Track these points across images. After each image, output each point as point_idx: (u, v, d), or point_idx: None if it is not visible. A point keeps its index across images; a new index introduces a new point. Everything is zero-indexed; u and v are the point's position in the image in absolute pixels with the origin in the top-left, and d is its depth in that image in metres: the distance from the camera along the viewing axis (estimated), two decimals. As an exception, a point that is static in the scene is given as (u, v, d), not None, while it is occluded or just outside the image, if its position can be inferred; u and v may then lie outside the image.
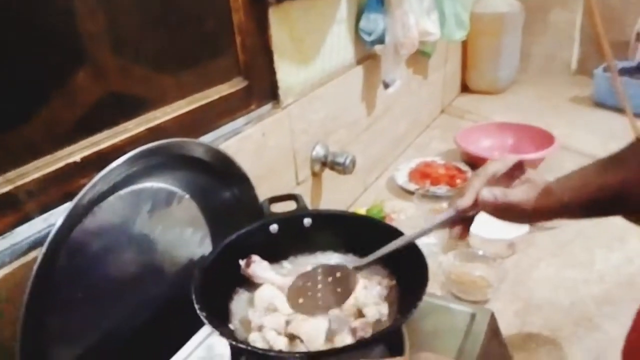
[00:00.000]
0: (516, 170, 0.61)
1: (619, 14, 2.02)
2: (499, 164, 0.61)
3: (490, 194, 0.58)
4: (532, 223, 0.62)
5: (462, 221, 0.62)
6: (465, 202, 0.59)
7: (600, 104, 1.88)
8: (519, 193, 0.58)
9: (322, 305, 0.62)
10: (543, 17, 2.22)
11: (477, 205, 0.59)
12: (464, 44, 2.06)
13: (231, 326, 0.64)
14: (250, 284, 0.71)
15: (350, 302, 0.63)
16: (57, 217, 0.60)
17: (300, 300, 0.63)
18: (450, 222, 0.62)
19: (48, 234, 0.54)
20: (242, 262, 0.70)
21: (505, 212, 0.59)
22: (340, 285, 0.63)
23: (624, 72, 1.83)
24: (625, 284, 0.97)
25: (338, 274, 0.64)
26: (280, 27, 0.95)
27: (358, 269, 0.64)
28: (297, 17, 1.00)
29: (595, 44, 1.89)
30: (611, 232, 1.13)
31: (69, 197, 0.61)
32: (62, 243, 0.57)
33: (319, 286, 0.64)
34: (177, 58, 0.79)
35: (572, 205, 0.57)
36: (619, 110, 1.72)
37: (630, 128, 1.52)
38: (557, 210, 0.58)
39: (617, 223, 1.16)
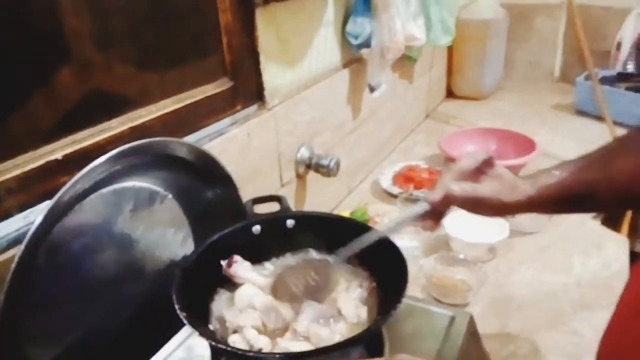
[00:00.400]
0: (486, 166, 0.64)
1: (600, 24, 2.06)
2: (469, 160, 0.64)
3: (459, 188, 0.61)
4: (503, 216, 0.66)
5: (433, 215, 0.64)
6: (435, 196, 0.62)
7: (581, 112, 1.91)
8: (487, 188, 0.62)
9: (304, 297, 0.64)
10: (527, 25, 2.25)
11: (447, 199, 0.62)
12: (449, 50, 2.09)
13: (211, 327, 0.64)
14: (231, 285, 0.71)
15: (330, 301, 0.64)
16: (36, 215, 0.59)
17: (285, 293, 0.65)
18: (422, 216, 0.64)
19: (27, 231, 0.54)
20: (223, 263, 0.70)
21: (474, 205, 0.62)
22: (322, 278, 0.66)
23: (605, 80, 1.86)
24: (602, 289, 0.99)
25: (320, 267, 0.66)
26: (267, 29, 0.96)
27: (338, 262, 0.66)
28: (284, 18, 1.01)
29: (578, 53, 1.93)
30: (589, 238, 1.16)
31: (49, 195, 0.60)
32: (41, 241, 0.56)
33: (302, 279, 0.66)
34: (163, 57, 0.79)
35: (540, 200, 0.61)
36: (600, 118, 1.76)
37: (610, 135, 1.55)
38: (524, 204, 0.62)
39: (595, 229, 1.19)
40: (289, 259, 0.77)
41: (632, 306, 0.57)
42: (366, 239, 0.65)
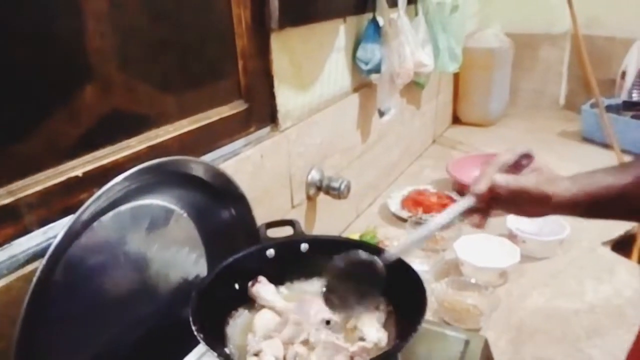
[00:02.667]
0: (525, 159, 0.65)
1: (604, 54, 2.09)
2: (509, 154, 0.65)
3: (503, 179, 0.62)
4: (542, 214, 0.65)
5: (479, 210, 0.64)
6: (482, 187, 0.62)
7: (588, 139, 1.92)
8: (530, 179, 0.62)
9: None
10: (532, 54, 2.29)
11: (492, 191, 0.62)
12: (456, 77, 2.12)
13: (227, 350, 0.64)
14: (246, 308, 0.71)
15: (351, 325, 0.64)
16: (56, 230, 0.60)
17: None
18: (469, 211, 0.64)
19: (46, 247, 0.54)
20: (250, 283, 0.70)
21: (518, 198, 0.62)
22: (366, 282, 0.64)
23: (611, 109, 1.88)
24: (615, 315, 0.98)
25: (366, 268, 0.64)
26: (281, 53, 0.98)
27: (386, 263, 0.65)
28: (298, 44, 1.03)
29: (582, 81, 1.96)
30: (600, 264, 1.15)
31: (68, 211, 0.61)
32: (60, 257, 0.57)
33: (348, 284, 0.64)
34: (181, 79, 0.80)
35: (579, 198, 0.61)
36: (607, 145, 1.77)
37: (618, 162, 1.55)
38: (564, 200, 0.61)
39: (605, 255, 1.19)
40: (302, 284, 0.77)
41: None
42: (420, 233, 0.65)
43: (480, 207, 0.64)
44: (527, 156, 0.65)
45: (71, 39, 0.63)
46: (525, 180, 0.62)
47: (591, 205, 0.62)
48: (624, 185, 0.61)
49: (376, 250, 0.70)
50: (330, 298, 0.64)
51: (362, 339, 0.63)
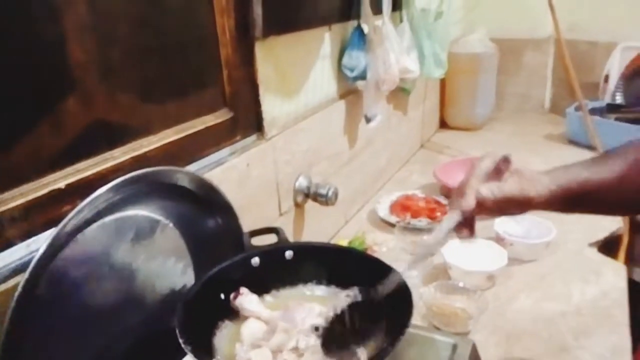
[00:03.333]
0: (504, 164, 0.66)
1: (587, 58, 2.12)
2: (488, 161, 0.66)
3: (488, 190, 0.62)
4: (526, 212, 0.66)
5: (466, 222, 0.65)
6: (469, 202, 0.63)
7: (573, 142, 1.94)
8: (512, 185, 0.63)
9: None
10: (517, 59, 2.31)
11: (479, 204, 0.63)
12: (442, 82, 2.13)
13: (215, 360, 0.64)
14: (233, 317, 0.70)
15: None
16: (39, 244, 0.60)
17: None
18: (457, 226, 0.64)
19: (29, 261, 0.54)
20: (232, 296, 0.70)
21: (503, 205, 0.63)
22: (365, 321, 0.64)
23: (595, 111, 1.90)
24: (602, 317, 0.99)
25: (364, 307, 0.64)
26: (266, 61, 0.98)
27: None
28: (283, 52, 1.03)
29: (567, 85, 1.98)
30: (587, 265, 1.16)
31: (51, 224, 0.60)
32: (43, 270, 0.56)
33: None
34: (165, 88, 0.80)
35: (557, 195, 0.63)
36: (591, 147, 1.79)
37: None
38: (547, 198, 0.63)
39: (592, 257, 1.20)
40: (289, 291, 0.77)
41: None
42: (422, 254, 0.68)
43: (467, 219, 0.64)
44: (506, 160, 0.65)
45: (52, 50, 0.63)
46: (509, 188, 0.63)
47: (568, 201, 0.64)
48: (600, 180, 0.62)
49: (379, 269, 0.69)
50: (329, 346, 0.63)
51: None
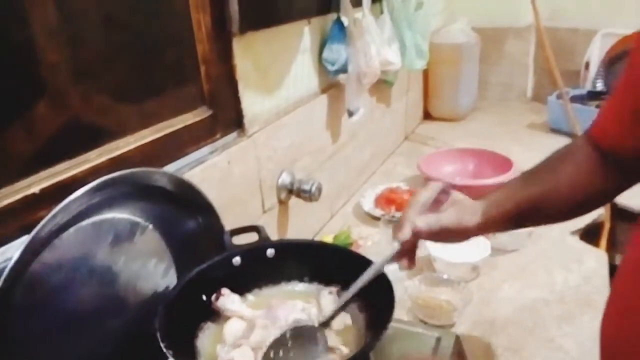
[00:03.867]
0: (443, 194, 0.68)
1: (568, 45, 2.13)
2: (427, 193, 0.67)
3: (424, 223, 0.64)
4: (466, 239, 0.68)
5: (406, 252, 0.67)
6: (405, 235, 0.64)
7: (555, 130, 1.96)
8: (450, 216, 0.65)
9: None
10: (498, 47, 2.32)
11: (416, 236, 0.65)
12: (425, 73, 2.13)
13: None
14: (215, 318, 0.70)
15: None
16: (13, 251, 0.58)
17: None
18: (396, 256, 0.67)
19: (3, 269, 0.53)
20: (213, 297, 0.70)
21: (441, 235, 0.65)
22: (310, 344, 0.64)
23: (576, 99, 1.92)
24: (584, 304, 1.00)
25: (306, 335, 0.64)
26: (244, 57, 0.97)
27: (325, 324, 0.66)
28: (261, 47, 1.02)
29: (548, 73, 1.99)
30: (569, 253, 1.17)
31: (26, 230, 0.59)
32: (19, 278, 0.55)
33: (291, 353, 0.63)
34: (141, 87, 0.79)
35: (499, 219, 0.65)
36: (573, 135, 1.80)
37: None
38: (484, 225, 0.65)
39: (574, 245, 1.21)
40: (271, 290, 0.77)
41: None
42: (349, 294, 0.66)
43: (406, 250, 0.66)
44: (445, 191, 0.68)
45: (20, 52, 0.61)
46: (446, 219, 0.65)
47: (507, 222, 0.66)
48: (534, 197, 0.64)
49: (361, 264, 0.69)
50: None
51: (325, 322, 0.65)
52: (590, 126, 0.66)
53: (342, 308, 0.67)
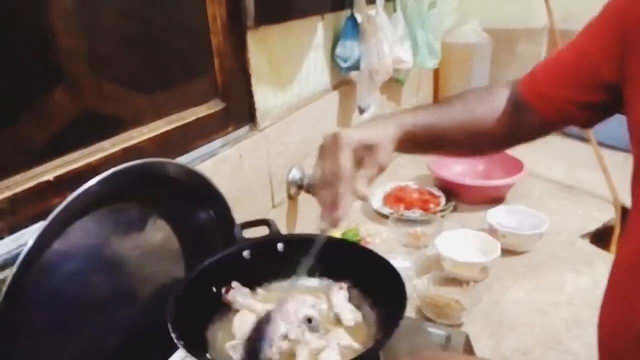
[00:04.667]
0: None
1: (581, 48, 2.11)
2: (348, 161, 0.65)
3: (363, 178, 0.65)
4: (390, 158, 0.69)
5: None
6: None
7: (566, 133, 1.94)
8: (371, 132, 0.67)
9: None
10: (510, 49, 2.30)
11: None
12: (436, 73, 2.12)
13: (208, 356, 0.63)
14: (225, 312, 0.70)
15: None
16: (28, 237, 0.58)
17: None
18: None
19: (18, 255, 0.53)
20: (224, 290, 0.70)
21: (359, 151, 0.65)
22: None
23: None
24: (594, 307, 0.99)
25: None
26: (258, 51, 0.97)
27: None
28: (275, 41, 1.02)
29: (560, 76, 1.98)
30: (579, 256, 1.16)
31: (40, 217, 0.59)
32: (32, 265, 0.55)
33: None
34: (156, 79, 0.79)
35: (407, 138, 0.68)
36: (584, 139, 1.79)
37: (596, 156, 1.58)
38: (396, 138, 0.67)
39: (584, 248, 1.20)
40: (281, 284, 0.77)
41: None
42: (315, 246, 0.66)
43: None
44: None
45: (39, 39, 0.61)
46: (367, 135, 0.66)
47: (414, 144, 0.69)
48: (444, 128, 0.69)
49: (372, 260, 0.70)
50: None
51: (339, 321, 0.65)
52: (522, 80, 0.74)
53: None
